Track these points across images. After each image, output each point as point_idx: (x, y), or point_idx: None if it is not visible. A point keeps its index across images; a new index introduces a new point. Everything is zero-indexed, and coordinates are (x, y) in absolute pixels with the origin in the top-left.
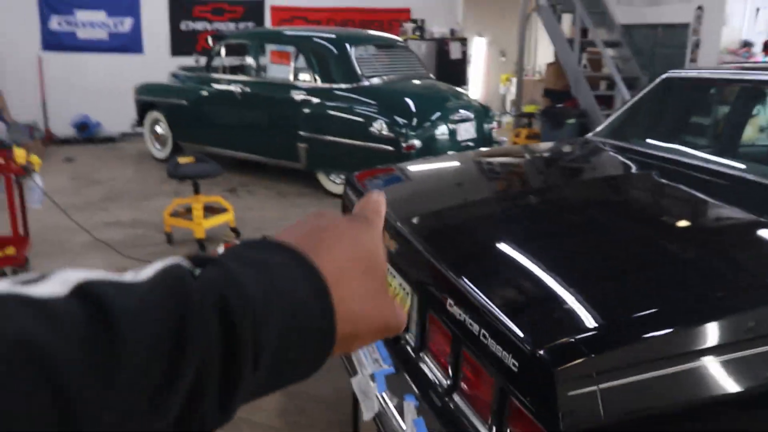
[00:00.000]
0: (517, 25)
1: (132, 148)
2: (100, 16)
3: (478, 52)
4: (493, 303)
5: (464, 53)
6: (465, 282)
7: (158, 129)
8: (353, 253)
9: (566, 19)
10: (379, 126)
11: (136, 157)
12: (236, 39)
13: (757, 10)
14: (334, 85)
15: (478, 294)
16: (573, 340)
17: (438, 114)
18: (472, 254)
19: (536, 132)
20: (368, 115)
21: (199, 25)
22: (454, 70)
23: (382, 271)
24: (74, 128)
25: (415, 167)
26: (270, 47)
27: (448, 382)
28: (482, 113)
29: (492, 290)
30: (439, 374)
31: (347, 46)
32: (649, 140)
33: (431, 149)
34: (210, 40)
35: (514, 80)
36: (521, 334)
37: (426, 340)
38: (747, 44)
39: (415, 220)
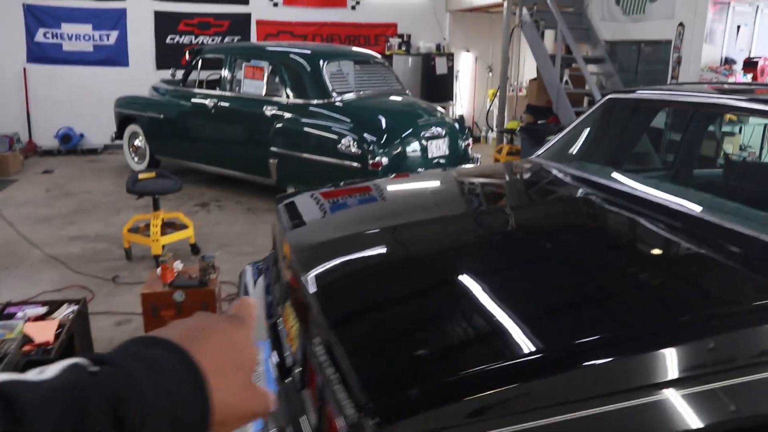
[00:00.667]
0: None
1: (113, 160)
2: (86, 29)
3: (465, 67)
4: (347, 349)
5: (450, 68)
6: (327, 320)
7: (136, 142)
8: (228, 351)
9: (549, 35)
10: (347, 142)
11: (115, 169)
12: (212, 53)
13: (738, 27)
14: (306, 101)
15: (337, 337)
16: (411, 393)
17: (409, 131)
18: (350, 295)
19: (518, 148)
20: (337, 131)
21: (185, 39)
22: (440, 86)
23: (251, 365)
24: (57, 140)
25: (339, 193)
26: (244, 62)
27: (316, 424)
28: (456, 130)
29: (352, 335)
30: (312, 415)
31: (320, 62)
32: (590, 164)
33: (401, 166)
34: (187, 54)
35: (501, 96)
36: (361, 385)
37: (305, 379)
38: (728, 62)
39: (307, 254)
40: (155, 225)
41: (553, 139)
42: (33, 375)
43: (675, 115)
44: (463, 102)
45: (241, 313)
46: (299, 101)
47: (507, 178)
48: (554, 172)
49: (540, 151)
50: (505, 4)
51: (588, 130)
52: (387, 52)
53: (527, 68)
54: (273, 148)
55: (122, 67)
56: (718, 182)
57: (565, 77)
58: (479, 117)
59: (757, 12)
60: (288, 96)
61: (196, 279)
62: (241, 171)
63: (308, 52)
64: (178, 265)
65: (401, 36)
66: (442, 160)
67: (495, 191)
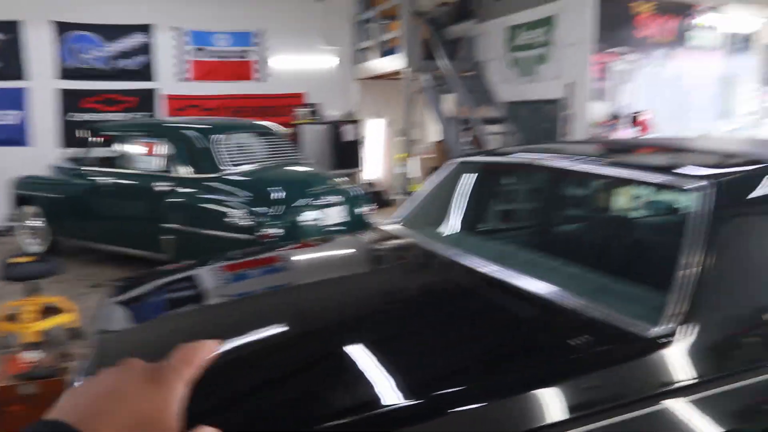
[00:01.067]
0: (409, 106)
1: (11, 242)
2: None
3: (377, 132)
4: None
5: (357, 134)
6: None
7: (34, 223)
8: (132, 422)
9: (452, 98)
10: (236, 215)
11: (11, 251)
12: (107, 130)
13: (617, 86)
14: (195, 175)
15: None
16: None
17: (301, 201)
18: None
19: None
20: (226, 204)
21: (92, 116)
22: (348, 153)
23: (163, 428)
24: None
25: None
26: (136, 138)
27: None
28: (354, 197)
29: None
30: None
31: (209, 136)
32: (440, 231)
33: (294, 235)
34: (84, 132)
35: (411, 159)
36: None
37: None
38: (615, 117)
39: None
40: (27, 311)
41: (411, 204)
42: None
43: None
44: (377, 167)
45: (178, 361)
46: (189, 176)
47: (358, 247)
48: (407, 239)
49: (396, 217)
50: (404, 71)
51: (442, 194)
52: (294, 122)
53: (433, 131)
54: (165, 224)
55: (25, 147)
56: (557, 243)
57: (468, 138)
58: (392, 180)
59: (635, 70)
60: (178, 171)
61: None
62: (136, 248)
63: (198, 126)
64: (33, 355)
65: (310, 105)
66: (341, 227)
67: (345, 259)
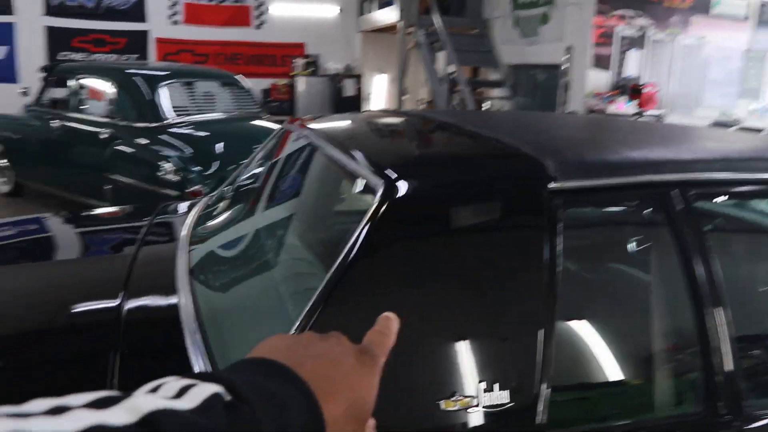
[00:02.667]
0: (407, 62)
1: None
2: None
3: (379, 89)
4: None
5: (359, 90)
6: None
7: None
8: (352, 403)
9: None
10: (168, 168)
11: None
12: (61, 71)
13: (624, 53)
14: (137, 125)
15: None
16: None
17: (244, 158)
18: None
19: None
20: (161, 156)
21: (80, 56)
22: (348, 108)
23: (367, 416)
24: None
25: None
26: (88, 81)
27: None
28: None
29: None
30: None
31: (157, 83)
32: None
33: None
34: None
35: None
36: None
37: None
38: (617, 88)
39: None
40: None
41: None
42: (174, 401)
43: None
44: None
45: (376, 345)
46: (130, 124)
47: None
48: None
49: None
50: (399, 25)
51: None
52: (291, 73)
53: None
54: (106, 174)
55: (11, 84)
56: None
57: (456, 100)
58: None
59: (644, 37)
60: (120, 119)
61: None
62: (83, 196)
63: (145, 72)
64: None
65: (308, 56)
66: None
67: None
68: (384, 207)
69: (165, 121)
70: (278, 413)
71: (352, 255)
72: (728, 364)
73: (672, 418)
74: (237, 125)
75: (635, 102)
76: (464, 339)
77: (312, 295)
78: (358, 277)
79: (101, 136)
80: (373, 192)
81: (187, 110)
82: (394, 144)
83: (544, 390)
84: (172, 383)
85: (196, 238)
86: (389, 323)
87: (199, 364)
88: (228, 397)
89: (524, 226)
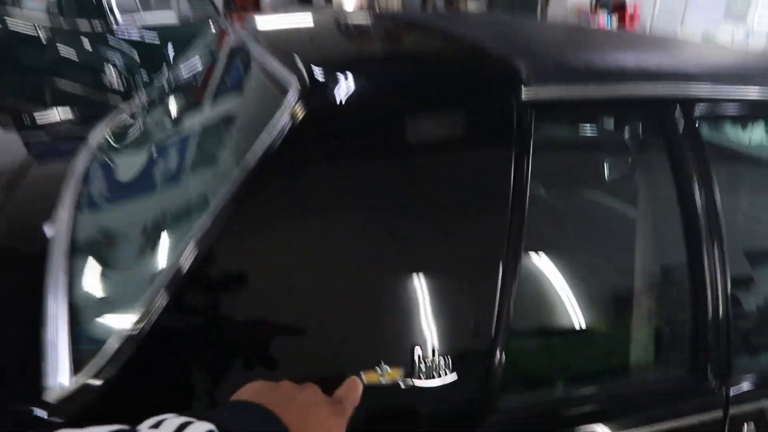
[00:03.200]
0: None
1: None
2: None
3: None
4: None
5: None
6: None
7: None
8: None
9: None
10: (112, 75)
11: None
12: None
13: None
14: (85, 25)
15: None
16: None
17: None
18: None
19: None
20: (105, 60)
21: None
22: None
23: None
24: None
25: None
26: None
27: None
28: None
29: None
30: None
31: None
32: None
33: None
34: None
35: None
36: None
37: None
38: (599, 3)
39: None
40: None
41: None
42: None
43: None
44: None
45: (345, 399)
46: (77, 24)
47: None
48: None
49: None
50: None
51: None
52: None
53: None
54: (48, 76)
55: None
56: None
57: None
58: None
59: None
60: (68, 20)
61: None
62: (28, 100)
63: None
64: None
65: None
66: None
67: None
68: (306, 113)
69: (111, 24)
70: None
71: (253, 174)
72: (723, 319)
73: (654, 379)
74: (190, 30)
75: (615, 17)
76: (397, 288)
77: (200, 223)
78: (256, 202)
79: (43, 37)
80: (295, 94)
81: (136, 12)
82: (335, 42)
83: (498, 355)
84: (173, 419)
85: (96, 157)
86: (355, 385)
87: (56, 303)
88: None
89: (488, 142)
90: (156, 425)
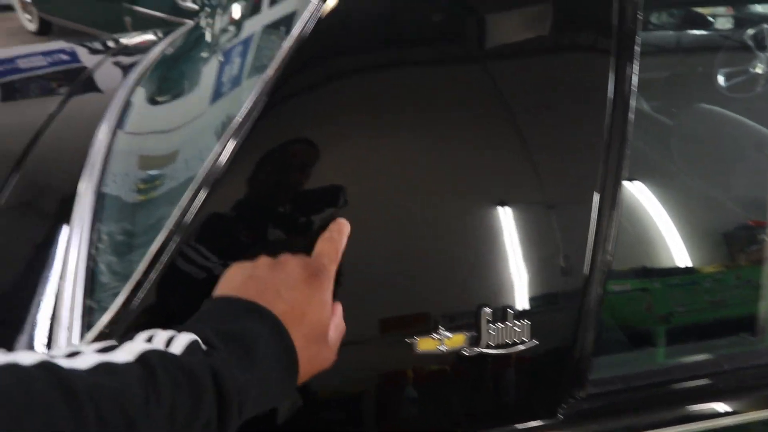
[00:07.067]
0: None
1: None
2: None
3: None
4: None
5: None
6: None
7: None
8: (311, 327)
9: None
10: None
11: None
12: None
13: None
14: None
15: None
16: None
17: None
18: None
19: None
20: None
21: None
22: None
23: (325, 335)
24: None
25: None
26: None
27: None
28: None
29: None
30: None
31: None
32: None
33: None
34: None
35: None
36: None
37: None
38: None
39: None
40: None
41: None
42: (162, 346)
43: None
44: None
45: (326, 255)
46: None
47: None
48: None
49: None
50: None
51: None
52: None
53: None
54: (126, 5)
55: None
56: None
57: None
58: None
59: None
60: None
61: None
62: (104, 29)
63: None
64: None
65: None
66: None
67: None
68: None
69: None
70: (247, 351)
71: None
72: None
73: None
74: None
75: None
76: (459, 236)
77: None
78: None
79: None
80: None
81: None
82: None
83: (590, 314)
84: (161, 334)
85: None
86: (341, 227)
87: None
88: (204, 346)
89: (579, 40)
90: (149, 339)
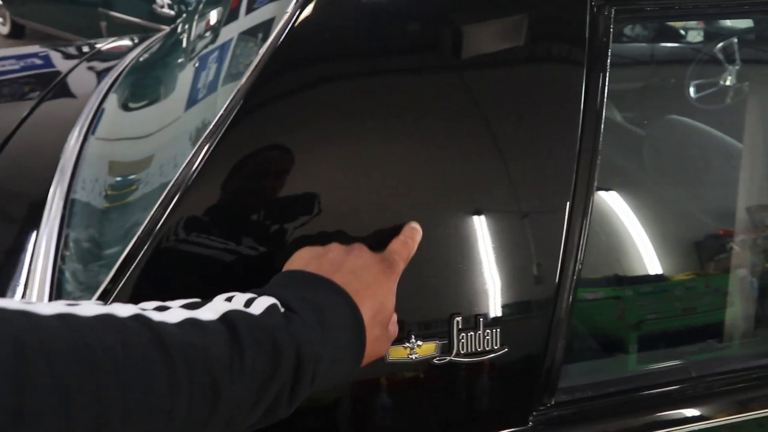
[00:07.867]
0: None
1: None
2: None
3: None
4: None
5: None
6: None
7: None
8: (377, 310)
9: None
10: (163, 3)
11: None
12: None
13: None
14: None
15: None
16: None
17: None
18: None
19: None
20: None
21: None
22: None
23: (388, 320)
24: None
25: None
26: None
27: None
28: None
29: None
30: None
31: None
32: None
33: None
34: None
35: None
36: None
37: None
38: None
39: None
40: None
41: None
42: (242, 306)
43: None
44: None
45: (397, 253)
46: None
47: None
48: None
49: None
50: None
51: None
52: None
53: None
54: (102, 9)
55: None
56: None
57: None
58: None
59: None
60: None
61: None
62: (82, 35)
63: None
64: None
65: None
66: None
67: None
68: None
69: None
70: (323, 319)
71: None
72: None
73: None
74: None
75: None
76: (433, 237)
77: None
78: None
79: None
80: None
81: None
82: None
83: (561, 321)
84: (240, 296)
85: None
86: (413, 233)
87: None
88: (282, 309)
89: (553, 50)
90: (228, 299)
